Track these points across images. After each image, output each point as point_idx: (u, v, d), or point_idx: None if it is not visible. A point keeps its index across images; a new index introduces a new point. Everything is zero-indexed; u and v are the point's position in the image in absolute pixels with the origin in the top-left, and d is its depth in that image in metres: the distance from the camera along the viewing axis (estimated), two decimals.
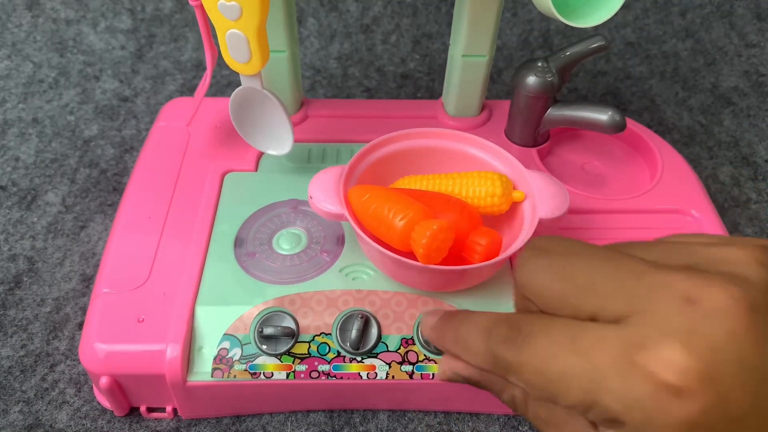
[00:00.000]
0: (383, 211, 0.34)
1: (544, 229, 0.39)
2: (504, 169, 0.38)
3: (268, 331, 0.35)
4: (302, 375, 0.34)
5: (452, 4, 0.49)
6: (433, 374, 0.34)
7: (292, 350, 0.35)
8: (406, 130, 0.39)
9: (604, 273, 0.19)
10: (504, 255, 0.33)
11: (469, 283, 0.36)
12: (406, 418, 0.38)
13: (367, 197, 0.34)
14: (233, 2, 0.32)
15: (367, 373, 0.34)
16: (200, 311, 0.36)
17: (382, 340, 0.35)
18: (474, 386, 0.25)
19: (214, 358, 0.34)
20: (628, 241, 0.22)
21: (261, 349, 0.35)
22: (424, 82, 0.65)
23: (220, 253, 0.38)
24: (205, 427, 0.37)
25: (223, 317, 0.35)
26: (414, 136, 0.40)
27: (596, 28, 0.35)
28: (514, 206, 0.38)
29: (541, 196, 0.35)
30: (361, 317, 0.35)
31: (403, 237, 0.33)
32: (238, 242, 0.39)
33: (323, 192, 0.35)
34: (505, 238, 0.38)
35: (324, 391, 0.35)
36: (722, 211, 0.52)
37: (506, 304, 0.36)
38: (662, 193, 0.43)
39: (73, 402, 0.38)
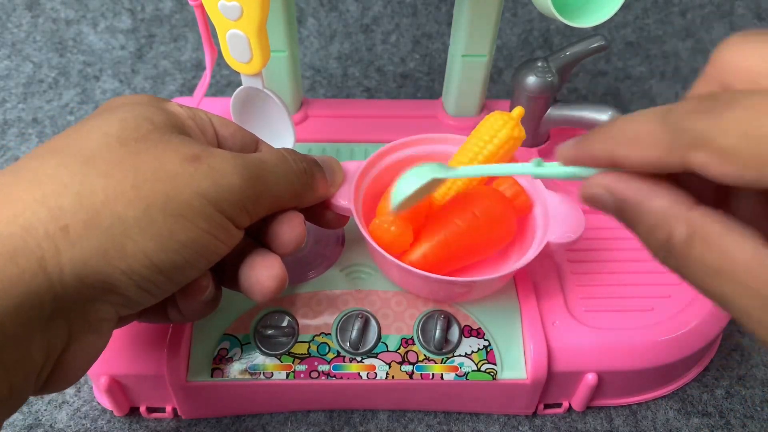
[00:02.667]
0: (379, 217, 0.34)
1: (553, 252, 0.39)
2: (524, 184, 0.37)
3: (267, 331, 0.35)
4: (302, 375, 0.34)
5: (452, 4, 0.49)
6: (432, 374, 0.34)
7: (292, 350, 0.35)
8: (428, 135, 0.39)
9: None
10: (509, 271, 0.33)
11: (476, 295, 0.36)
12: (406, 418, 0.38)
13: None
14: (233, 2, 0.32)
15: (367, 373, 0.34)
16: None
17: (381, 340, 0.35)
18: (619, 217, 0.19)
19: (214, 358, 0.34)
20: None
21: (261, 349, 0.35)
22: (424, 82, 0.65)
23: None
24: (205, 427, 0.37)
25: (223, 317, 0.35)
26: (436, 141, 0.39)
27: (596, 28, 0.34)
28: (526, 225, 0.37)
29: (555, 220, 0.34)
30: (361, 317, 0.35)
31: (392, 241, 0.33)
32: None
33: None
34: (511, 254, 0.37)
35: (324, 391, 0.35)
36: None
37: (511, 309, 0.36)
38: None
39: (73, 402, 0.38)
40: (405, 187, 0.29)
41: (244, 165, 0.26)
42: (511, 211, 0.35)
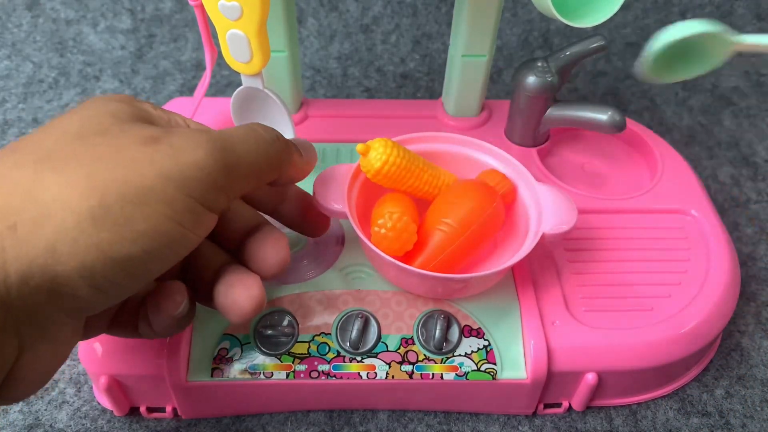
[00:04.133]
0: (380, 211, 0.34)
1: (548, 243, 0.39)
2: (515, 178, 0.38)
3: (267, 331, 0.35)
4: (302, 375, 0.34)
5: (452, 4, 0.49)
6: (432, 374, 0.34)
7: (292, 350, 0.35)
8: (421, 134, 0.39)
9: None
10: (506, 265, 0.33)
11: (472, 291, 0.36)
12: (406, 418, 0.38)
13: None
14: (233, 2, 0.32)
15: (367, 373, 0.34)
16: (200, 311, 0.35)
17: (381, 340, 0.35)
18: None
19: (214, 358, 0.34)
20: None
21: (261, 349, 0.35)
22: (424, 82, 0.65)
23: None
24: (205, 427, 0.37)
25: (223, 317, 0.35)
26: (429, 140, 0.39)
27: (596, 28, 0.34)
28: (518, 217, 0.37)
29: (547, 210, 0.35)
30: (361, 317, 0.35)
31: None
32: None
33: (328, 189, 0.35)
34: (507, 249, 0.37)
35: (324, 391, 0.35)
36: (722, 211, 0.52)
37: (511, 308, 0.36)
38: (662, 193, 0.43)
39: (73, 402, 0.38)
40: (678, 30, 0.26)
41: (209, 139, 0.24)
42: (499, 201, 0.36)
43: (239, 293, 0.27)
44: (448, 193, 0.36)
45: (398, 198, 0.36)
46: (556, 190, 0.36)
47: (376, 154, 0.34)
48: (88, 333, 0.27)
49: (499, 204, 0.36)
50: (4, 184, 0.21)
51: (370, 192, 0.37)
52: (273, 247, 0.28)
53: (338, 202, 0.34)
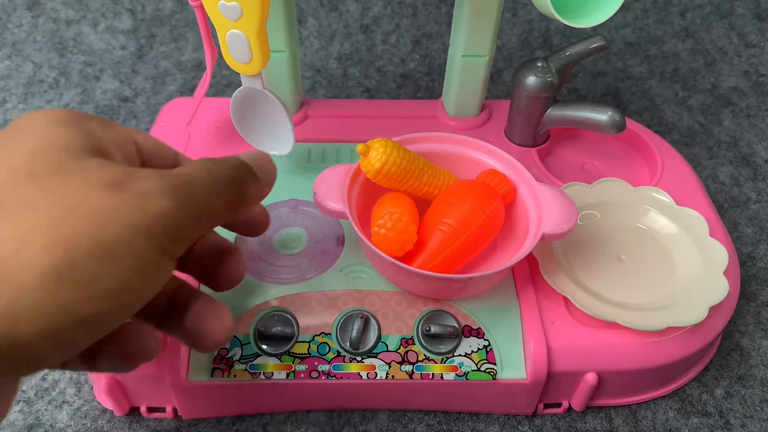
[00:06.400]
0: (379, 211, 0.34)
1: (551, 247, 0.39)
2: (515, 178, 0.38)
3: (267, 331, 0.35)
4: (302, 375, 0.34)
5: (452, 4, 0.49)
6: (432, 374, 0.34)
7: (292, 350, 0.35)
8: (421, 134, 0.39)
9: None
10: (507, 265, 0.33)
11: (472, 291, 0.36)
12: (406, 418, 0.38)
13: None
14: (233, 2, 0.32)
15: (367, 373, 0.34)
16: None
17: (381, 340, 0.35)
18: None
19: (214, 358, 0.34)
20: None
21: (261, 349, 0.35)
22: (424, 82, 0.65)
23: None
24: (205, 427, 0.37)
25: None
26: (429, 140, 0.39)
27: (596, 28, 0.35)
28: (518, 218, 0.37)
29: (547, 210, 0.35)
30: (361, 317, 0.35)
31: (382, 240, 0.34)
32: (238, 242, 0.39)
33: (328, 189, 0.35)
34: (507, 250, 0.38)
35: (324, 391, 0.35)
36: (722, 211, 0.52)
37: (511, 308, 0.36)
38: None
39: (73, 402, 0.38)
40: None
41: (172, 185, 0.23)
42: (499, 201, 0.36)
43: (212, 324, 0.27)
44: (448, 193, 0.36)
45: (398, 198, 0.36)
46: (556, 190, 0.36)
47: (376, 155, 0.34)
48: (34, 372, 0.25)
49: (499, 204, 0.36)
50: None
51: (370, 192, 0.37)
52: (217, 320, 0.27)
53: (338, 202, 0.34)
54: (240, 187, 0.26)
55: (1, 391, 0.21)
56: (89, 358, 0.26)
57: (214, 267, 0.29)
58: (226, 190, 0.25)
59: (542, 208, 0.35)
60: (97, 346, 0.25)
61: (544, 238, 0.34)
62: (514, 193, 0.38)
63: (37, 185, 0.20)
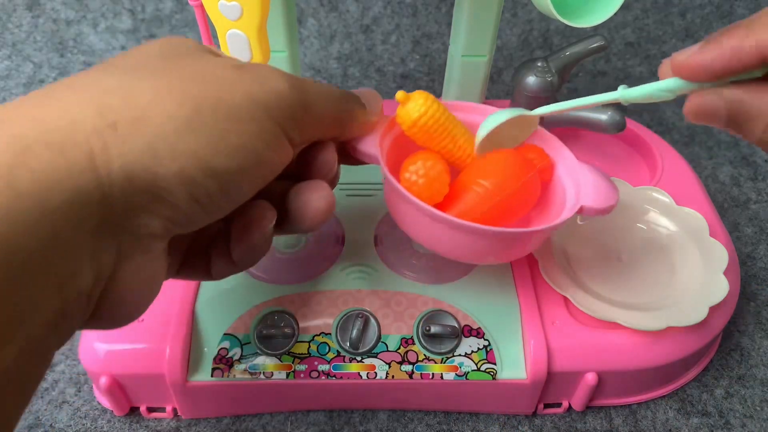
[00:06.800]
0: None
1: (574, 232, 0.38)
2: (554, 155, 0.36)
3: (268, 331, 0.35)
4: (302, 375, 0.34)
5: (452, 4, 0.49)
6: (432, 374, 0.34)
7: (292, 350, 0.35)
8: (462, 102, 0.37)
9: None
10: (553, 224, 0.31)
11: (514, 255, 0.34)
12: (406, 418, 0.38)
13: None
14: (234, 2, 0.32)
15: (367, 373, 0.34)
16: (200, 311, 0.36)
17: (381, 340, 0.35)
18: (729, 122, 0.25)
19: (214, 358, 0.34)
20: None
21: (261, 349, 0.35)
22: (424, 82, 0.65)
23: None
24: (205, 427, 0.37)
25: (223, 317, 0.35)
26: (467, 109, 0.36)
27: (596, 28, 0.35)
28: (554, 196, 0.35)
29: (586, 187, 0.33)
30: (361, 317, 0.35)
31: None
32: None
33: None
34: (542, 219, 0.36)
35: (324, 390, 0.35)
36: (722, 211, 0.52)
37: (511, 308, 0.36)
38: None
39: (73, 402, 0.38)
40: (490, 121, 0.30)
41: (288, 76, 0.25)
42: (535, 172, 0.33)
43: (309, 195, 0.27)
44: (483, 158, 0.34)
45: (431, 154, 0.33)
46: (597, 170, 0.34)
47: (415, 105, 0.32)
48: (171, 261, 0.27)
49: (536, 176, 0.33)
50: (98, 86, 0.21)
51: (401, 149, 0.35)
52: (316, 191, 0.28)
53: (371, 146, 0.31)
54: (348, 104, 0.29)
55: (153, 246, 0.22)
56: (202, 265, 0.28)
57: (309, 160, 0.29)
58: (336, 101, 0.28)
59: (581, 185, 0.33)
60: (207, 251, 0.27)
61: (581, 212, 0.32)
62: (552, 169, 0.35)
63: (168, 61, 0.23)
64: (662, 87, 0.26)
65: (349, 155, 0.32)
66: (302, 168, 0.29)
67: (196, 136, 0.21)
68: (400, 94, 0.33)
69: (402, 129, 0.33)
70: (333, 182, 0.30)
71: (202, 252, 0.28)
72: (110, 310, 0.22)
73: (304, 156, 0.29)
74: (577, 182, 0.33)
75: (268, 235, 0.27)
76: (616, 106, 0.41)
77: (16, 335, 0.17)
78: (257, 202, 0.27)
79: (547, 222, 0.34)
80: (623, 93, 0.28)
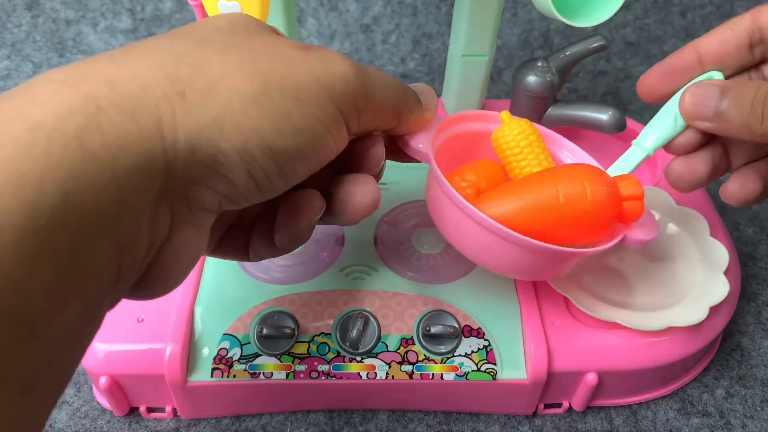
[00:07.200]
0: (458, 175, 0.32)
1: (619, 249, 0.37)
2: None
3: (267, 331, 0.35)
4: (302, 375, 0.34)
5: (452, 4, 0.49)
6: (432, 374, 0.34)
7: (292, 350, 0.35)
8: (495, 113, 0.35)
9: None
10: (599, 249, 0.30)
11: (561, 273, 0.32)
12: (406, 418, 0.38)
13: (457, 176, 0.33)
14: (233, 2, 0.32)
15: (367, 373, 0.34)
16: (200, 311, 0.36)
17: (381, 340, 0.35)
18: (719, 113, 0.29)
19: (214, 358, 0.34)
20: None
21: (261, 349, 0.35)
22: (424, 82, 0.65)
23: None
24: (204, 427, 0.37)
25: (223, 317, 0.35)
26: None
27: (596, 28, 0.34)
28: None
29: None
30: (361, 317, 0.35)
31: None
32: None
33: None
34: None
35: (324, 391, 0.35)
36: (722, 211, 0.52)
37: (511, 309, 0.36)
38: None
39: (73, 402, 0.38)
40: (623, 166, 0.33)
41: (352, 62, 0.25)
42: (613, 206, 0.30)
43: (356, 188, 0.27)
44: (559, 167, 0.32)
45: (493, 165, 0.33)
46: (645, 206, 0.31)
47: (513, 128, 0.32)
48: (212, 236, 0.27)
49: (610, 197, 0.30)
50: (169, 54, 0.21)
51: (451, 152, 0.34)
52: (363, 185, 0.28)
53: (423, 143, 0.31)
54: (406, 98, 0.29)
55: (203, 220, 0.22)
56: (241, 245, 0.28)
57: (357, 151, 0.29)
58: (396, 92, 0.27)
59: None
60: (249, 231, 0.28)
61: (625, 241, 0.31)
62: (636, 216, 0.30)
63: (237, 36, 0.23)
64: (671, 122, 0.31)
65: (398, 151, 0.31)
66: (349, 159, 0.29)
67: (261, 113, 0.21)
68: (505, 114, 0.33)
69: (454, 131, 0.34)
70: (377, 177, 0.30)
71: (243, 232, 0.28)
72: (154, 278, 0.22)
73: (353, 147, 0.28)
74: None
75: (314, 223, 0.27)
76: (616, 106, 0.41)
77: (79, 296, 0.17)
78: (306, 190, 0.27)
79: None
80: (648, 150, 0.32)
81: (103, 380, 0.34)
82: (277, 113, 0.21)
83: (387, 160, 0.30)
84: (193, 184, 0.21)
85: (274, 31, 0.25)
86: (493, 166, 0.33)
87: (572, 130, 0.49)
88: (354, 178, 0.28)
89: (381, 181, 0.31)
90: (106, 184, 0.17)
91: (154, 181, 0.19)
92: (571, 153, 0.36)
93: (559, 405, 0.38)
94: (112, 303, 0.20)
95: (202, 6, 0.37)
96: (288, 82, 0.22)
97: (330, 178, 0.28)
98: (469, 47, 0.44)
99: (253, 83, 0.21)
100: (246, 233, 0.28)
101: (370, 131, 0.28)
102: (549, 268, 0.31)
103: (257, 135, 0.21)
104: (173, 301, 0.36)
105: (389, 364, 0.34)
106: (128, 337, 0.35)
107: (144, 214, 0.19)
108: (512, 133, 0.33)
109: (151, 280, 0.22)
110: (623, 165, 0.33)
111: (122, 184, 0.18)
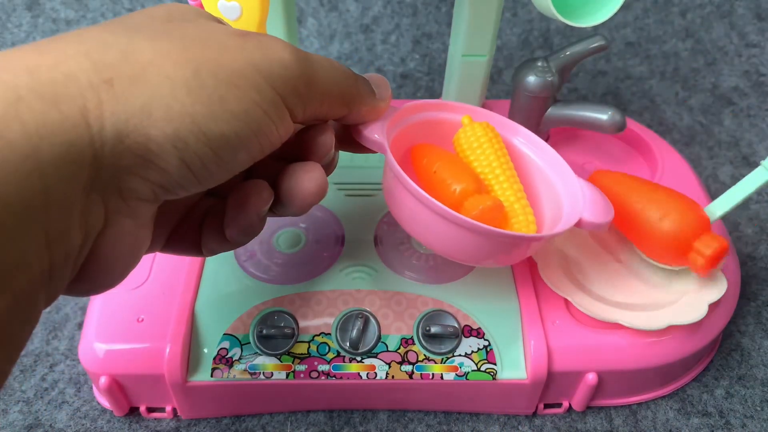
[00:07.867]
0: (443, 175, 0.32)
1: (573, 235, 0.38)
2: (549, 169, 0.36)
3: (267, 331, 0.35)
4: (302, 375, 0.34)
5: (452, 4, 0.49)
6: (432, 374, 0.34)
7: (292, 350, 0.35)
8: (466, 105, 0.36)
9: None
10: (555, 232, 0.31)
11: (513, 259, 0.33)
12: (406, 418, 0.38)
13: (427, 160, 0.33)
14: (233, 2, 0.32)
15: (367, 373, 0.34)
16: (200, 311, 0.36)
17: (381, 340, 0.35)
18: None
19: (214, 358, 0.34)
20: None
21: (261, 349, 0.35)
22: (424, 82, 0.65)
23: None
24: (204, 427, 0.37)
25: (223, 317, 0.35)
26: (455, 109, 0.36)
27: (596, 28, 0.34)
28: (550, 210, 0.35)
29: (585, 201, 0.32)
30: (361, 317, 0.35)
31: (454, 206, 0.30)
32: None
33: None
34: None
35: (324, 391, 0.35)
36: None
37: (511, 309, 0.36)
38: None
39: (73, 402, 0.38)
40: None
41: (293, 48, 0.24)
42: (681, 248, 0.35)
43: (300, 177, 0.27)
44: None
45: (462, 166, 0.33)
46: (592, 186, 0.34)
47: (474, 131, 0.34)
48: (157, 234, 0.26)
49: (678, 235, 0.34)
50: (96, 42, 0.20)
51: (406, 143, 0.34)
52: (308, 172, 0.27)
53: (378, 133, 0.30)
54: (357, 85, 0.28)
55: (139, 210, 0.22)
56: (192, 240, 0.28)
57: (306, 140, 0.28)
58: (344, 79, 0.27)
59: (578, 199, 0.33)
60: (199, 226, 0.27)
61: (580, 224, 0.32)
62: (704, 269, 0.34)
63: (171, 24, 0.23)
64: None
65: (355, 142, 0.31)
66: (298, 148, 0.28)
67: (192, 98, 0.21)
68: (466, 119, 0.34)
69: (410, 122, 0.34)
70: (329, 168, 0.29)
71: (193, 227, 0.28)
72: (93, 272, 0.22)
73: (301, 136, 0.28)
74: (574, 195, 0.33)
75: (263, 214, 0.27)
76: (616, 106, 0.41)
77: (6, 290, 0.17)
78: (254, 181, 0.27)
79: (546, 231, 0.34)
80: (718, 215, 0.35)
81: (103, 380, 0.34)
82: (211, 98, 0.21)
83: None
84: (124, 173, 0.20)
85: (213, 19, 0.25)
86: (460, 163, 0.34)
87: (572, 130, 0.49)
88: (301, 166, 0.27)
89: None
90: (28, 173, 0.17)
91: (81, 171, 0.19)
92: (525, 139, 0.37)
93: (559, 405, 0.38)
94: (50, 298, 0.20)
95: (201, 6, 0.37)
96: (223, 67, 0.21)
97: (280, 168, 0.28)
98: (469, 47, 0.44)
99: (184, 69, 0.21)
100: (197, 228, 0.28)
101: (320, 119, 0.28)
102: (504, 253, 0.31)
103: (190, 120, 0.21)
104: (173, 301, 0.36)
105: (389, 364, 0.34)
106: (128, 337, 0.35)
107: (74, 205, 0.19)
108: (475, 135, 0.34)
109: (90, 273, 0.21)
110: (747, 185, 0.35)
111: (46, 173, 0.18)
